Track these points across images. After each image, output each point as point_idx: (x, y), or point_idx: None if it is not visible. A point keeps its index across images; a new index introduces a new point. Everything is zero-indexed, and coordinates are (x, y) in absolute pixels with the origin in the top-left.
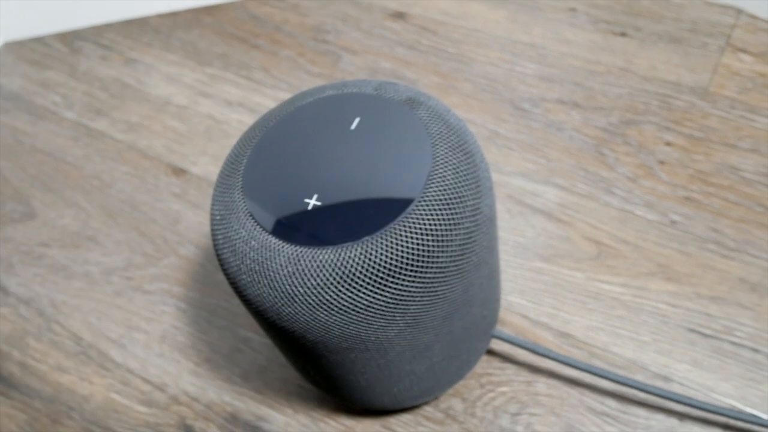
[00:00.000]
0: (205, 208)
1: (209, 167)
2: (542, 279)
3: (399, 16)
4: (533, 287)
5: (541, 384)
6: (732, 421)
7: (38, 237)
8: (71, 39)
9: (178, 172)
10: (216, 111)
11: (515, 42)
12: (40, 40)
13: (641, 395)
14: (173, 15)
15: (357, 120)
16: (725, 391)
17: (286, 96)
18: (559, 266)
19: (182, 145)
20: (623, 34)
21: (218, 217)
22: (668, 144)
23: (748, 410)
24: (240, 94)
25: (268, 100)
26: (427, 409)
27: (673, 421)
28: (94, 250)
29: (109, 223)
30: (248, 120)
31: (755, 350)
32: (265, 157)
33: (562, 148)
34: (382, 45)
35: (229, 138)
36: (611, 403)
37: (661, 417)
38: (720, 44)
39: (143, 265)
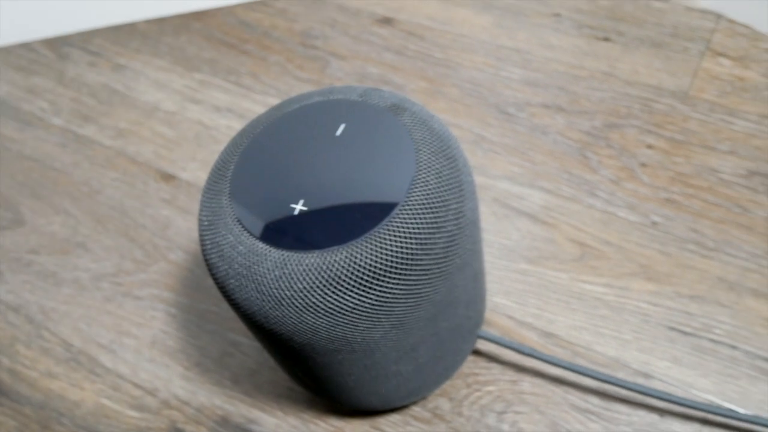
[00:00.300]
0: (194, 214)
1: (198, 173)
2: (527, 280)
3: (386, 21)
4: (518, 288)
5: (527, 383)
6: (711, 416)
7: (27, 244)
8: (58, 45)
9: (168, 177)
10: (205, 117)
11: (500, 47)
12: (26, 46)
13: (623, 392)
14: (161, 20)
15: (342, 126)
16: (704, 387)
17: (275, 101)
18: (544, 267)
19: (171, 151)
20: (606, 39)
21: (206, 223)
22: (650, 147)
23: (726, 405)
24: (229, 100)
25: (257, 105)
26: (415, 409)
27: (654, 417)
28: (84, 257)
29: (98, 229)
30: (237, 126)
31: (733, 347)
32: (252, 163)
33: (547, 151)
34: (369, 50)
35: (219, 144)
36: (594, 400)
37: (642, 413)
38: (700, 48)
39: (133, 270)
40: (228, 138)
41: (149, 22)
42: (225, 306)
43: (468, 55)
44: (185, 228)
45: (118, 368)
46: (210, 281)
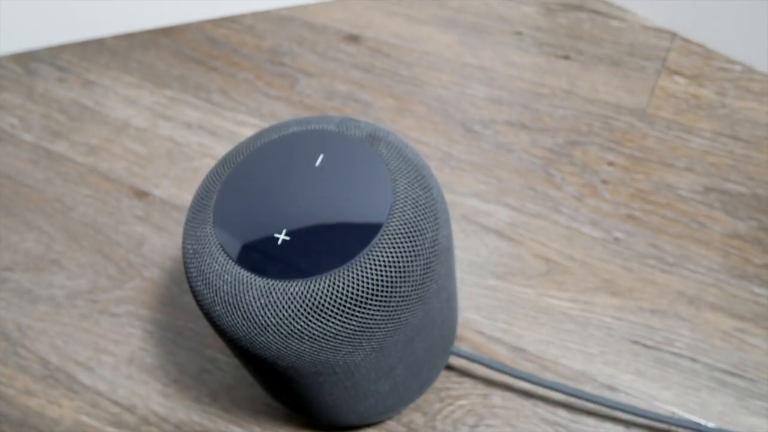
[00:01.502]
0: (169, 231)
1: (172, 190)
2: (496, 296)
3: (353, 38)
4: (488, 304)
5: (497, 397)
6: (674, 428)
7: (1, 261)
8: (26, 60)
9: (141, 194)
10: (176, 133)
11: (465, 65)
12: None
13: (590, 405)
14: (129, 36)
15: (321, 157)
16: (667, 399)
17: (245, 119)
18: (512, 283)
19: (144, 167)
20: (566, 57)
21: (191, 251)
22: (610, 164)
23: (688, 417)
24: (199, 117)
25: (228, 122)
26: (391, 424)
27: (619, 429)
28: (59, 274)
29: (72, 246)
30: (209, 143)
31: (693, 360)
32: (234, 192)
33: (512, 168)
34: (337, 67)
35: (191, 161)
36: (562, 413)
37: (609, 425)
38: (656, 67)
39: (108, 288)
40: (200, 155)
41: (117, 38)
42: (202, 323)
43: (434, 73)
44: (160, 245)
45: (96, 385)
46: (186, 298)
